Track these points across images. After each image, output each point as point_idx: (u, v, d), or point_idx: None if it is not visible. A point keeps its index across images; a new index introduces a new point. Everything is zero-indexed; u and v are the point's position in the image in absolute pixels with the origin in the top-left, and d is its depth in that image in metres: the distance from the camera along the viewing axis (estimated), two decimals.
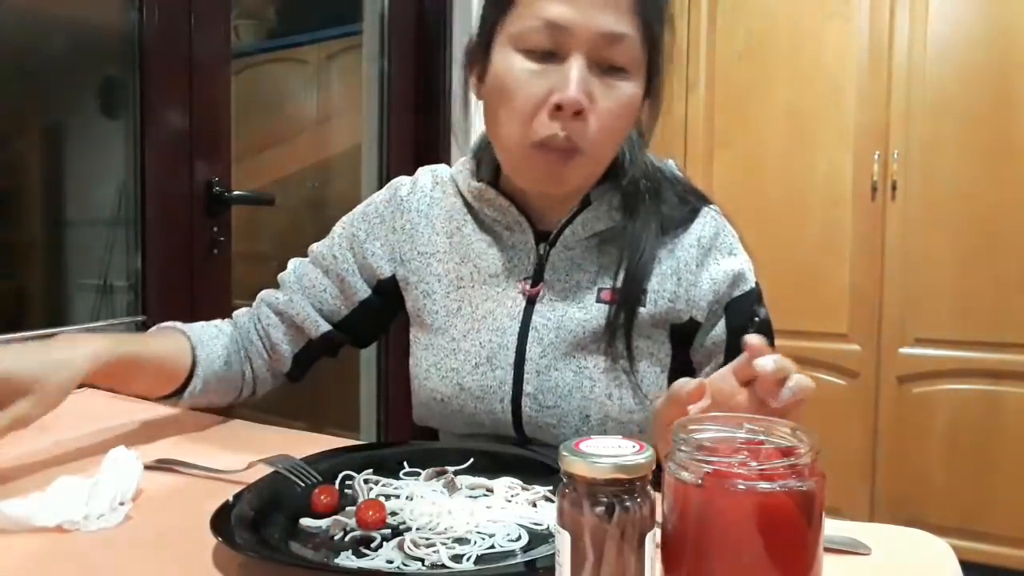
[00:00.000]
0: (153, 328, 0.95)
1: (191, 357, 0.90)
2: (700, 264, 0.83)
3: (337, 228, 0.97)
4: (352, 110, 2.56)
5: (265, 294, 0.97)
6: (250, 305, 1.00)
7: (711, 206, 0.88)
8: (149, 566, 0.55)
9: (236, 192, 1.76)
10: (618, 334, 0.81)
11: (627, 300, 0.82)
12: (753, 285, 0.85)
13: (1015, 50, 2.10)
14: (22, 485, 0.63)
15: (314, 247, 0.97)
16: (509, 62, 0.77)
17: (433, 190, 0.94)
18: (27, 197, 1.71)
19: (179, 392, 0.90)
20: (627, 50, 0.76)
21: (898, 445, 2.26)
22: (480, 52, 0.82)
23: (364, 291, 0.93)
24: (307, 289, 0.94)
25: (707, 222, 0.85)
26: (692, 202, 0.87)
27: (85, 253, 1.76)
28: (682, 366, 0.85)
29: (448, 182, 0.94)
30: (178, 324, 0.94)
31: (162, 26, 1.61)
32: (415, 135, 2.29)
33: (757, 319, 0.83)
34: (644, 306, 0.82)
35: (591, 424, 0.82)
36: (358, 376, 2.39)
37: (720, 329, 0.83)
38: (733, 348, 0.82)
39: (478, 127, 0.89)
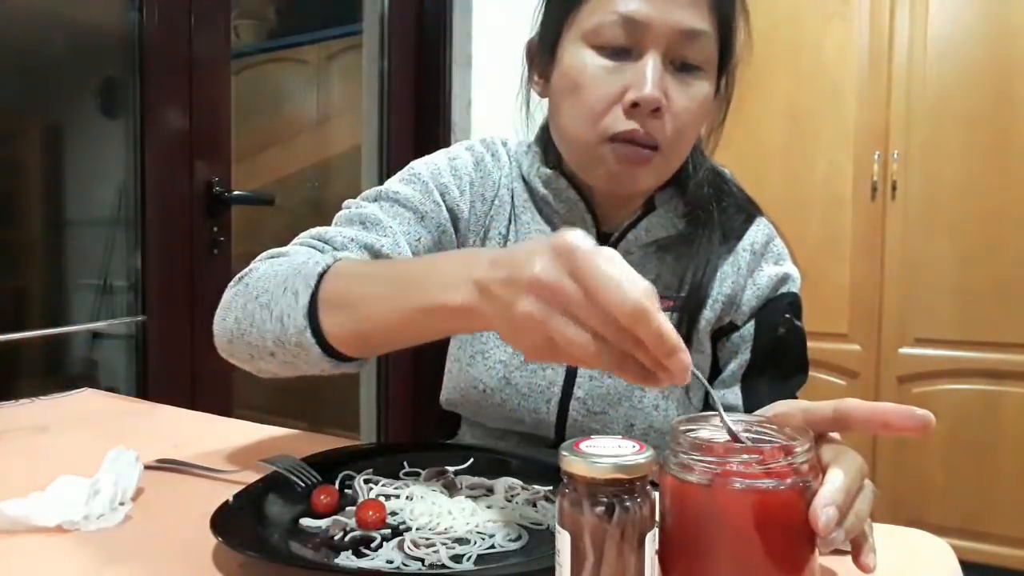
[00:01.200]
0: (340, 259, 0.70)
1: None
2: (751, 270, 0.84)
3: (423, 173, 0.84)
4: (352, 110, 2.56)
5: (353, 234, 0.78)
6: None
7: (763, 216, 0.88)
8: (149, 566, 0.55)
9: (236, 192, 1.76)
10: None
11: (690, 311, 0.81)
12: (794, 291, 0.84)
13: (1015, 50, 2.10)
14: (22, 485, 0.63)
15: (395, 188, 0.83)
16: (581, 58, 0.75)
17: (510, 168, 0.89)
18: (27, 197, 1.71)
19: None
20: (703, 47, 0.75)
21: (898, 445, 2.26)
22: (545, 50, 0.81)
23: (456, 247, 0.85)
24: (407, 234, 0.81)
25: (760, 229, 0.86)
26: (748, 210, 0.87)
27: (85, 253, 1.76)
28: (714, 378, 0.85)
29: (514, 160, 0.90)
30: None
31: (162, 26, 1.61)
32: (415, 135, 2.29)
33: (788, 317, 0.82)
34: (703, 310, 0.82)
35: (634, 433, 0.81)
36: (358, 376, 2.39)
37: (749, 326, 0.83)
38: (759, 348, 0.81)
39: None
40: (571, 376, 0.83)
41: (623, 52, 0.74)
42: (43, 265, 1.76)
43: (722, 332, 0.84)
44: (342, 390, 2.53)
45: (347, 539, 0.58)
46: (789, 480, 0.42)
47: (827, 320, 2.32)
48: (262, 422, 0.96)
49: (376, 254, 0.77)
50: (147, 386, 1.61)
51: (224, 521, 0.56)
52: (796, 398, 0.82)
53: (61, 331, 1.70)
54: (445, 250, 0.83)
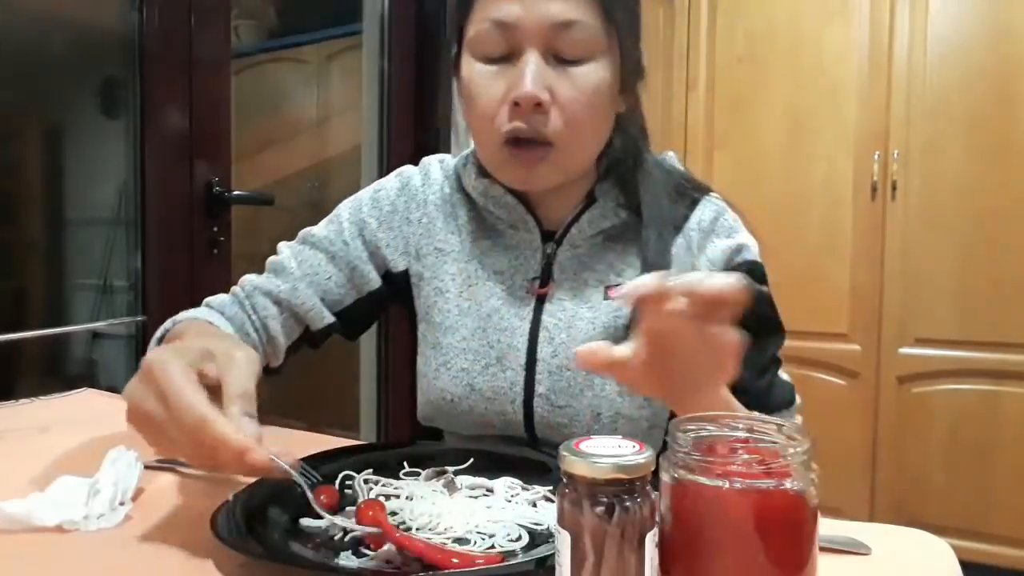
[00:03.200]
0: (183, 320, 0.83)
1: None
2: (700, 248, 0.83)
3: (343, 212, 0.91)
4: (352, 110, 2.56)
5: (259, 282, 0.88)
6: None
7: (711, 194, 0.87)
8: (149, 566, 0.55)
9: (236, 192, 1.76)
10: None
11: None
12: (751, 258, 0.83)
13: (1015, 51, 2.10)
14: (22, 485, 0.63)
15: (314, 231, 0.91)
16: (470, 70, 0.78)
17: (444, 184, 0.92)
18: (27, 197, 1.71)
19: None
20: (582, 36, 0.75)
21: (898, 445, 2.26)
22: (455, 63, 0.83)
23: (375, 281, 0.90)
24: (310, 276, 0.88)
25: (706, 207, 0.85)
26: (691, 193, 0.86)
27: (85, 253, 1.76)
28: None
29: (453, 176, 0.92)
30: (211, 319, 0.84)
31: (162, 26, 1.61)
32: (415, 135, 2.29)
33: (750, 278, 0.82)
34: None
35: (602, 422, 0.81)
36: (358, 376, 2.39)
37: None
38: None
39: None
40: (530, 374, 0.83)
41: (505, 57, 0.76)
42: (43, 265, 1.76)
43: None
44: (342, 390, 2.53)
45: (347, 539, 0.58)
46: (789, 480, 0.42)
47: (827, 320, 2.31)
48: (262, 422, 0.95)
49: (276, 300, 0.87)
50: None
51: (224, 521, 0.56)
52: (777, 361, 0.82)
53: (61, 331, 1.70)
54: (358, 283, 0.90)
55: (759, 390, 0.78)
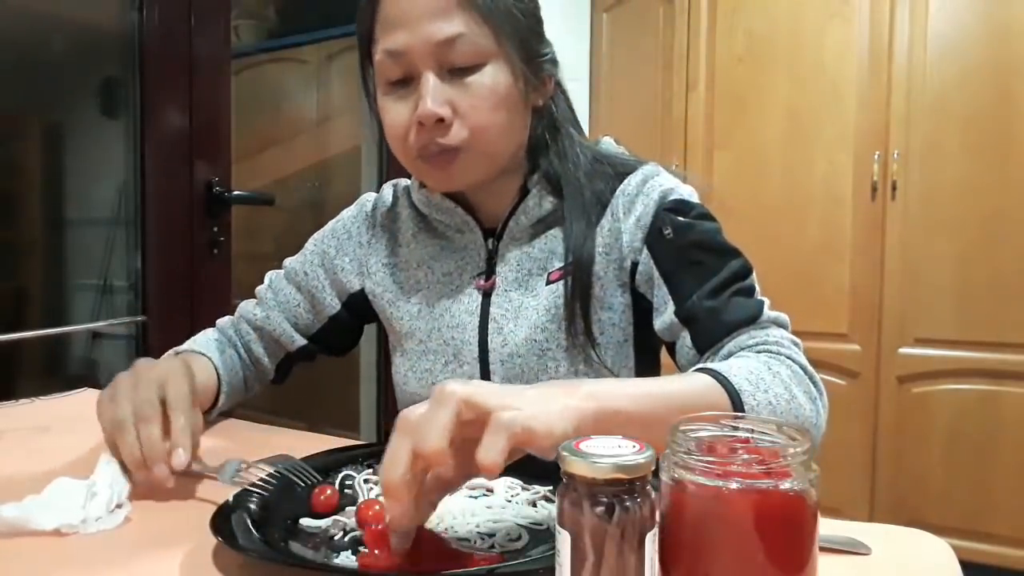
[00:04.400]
0: (184, 351, 0.95)
1: (216, 376, 0.92)
2: (627, 211, 0.84)
3: (309, 245, 1.00)
4: (352, 110, 2.56)
5: (244, 309, 1.00)
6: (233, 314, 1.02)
7: (645, 165, 0.87)
8: (149, 566, 0.55)
9: (236, 192, 1.76)
10: (576, 311, 0.82)
11: (576, 275, 0.82)
12: (679, 197, 0.82)
13: (1015, 50, 2.10)
14: (19, 487, 0.63)
15: (288, 262, 1.00)
16: (382, 102, 0.82)
17: (396, 204, 0.97)
18: (27, 197, 1.71)
19: (208, 411, 0.91)
20: (468, 47, 0.77)
21: (898, 445, 2.26)
22: (372, 93, 0.86)
23: (334, 306, 0.97)
24: (282, 304, 0.98)
25: (634, 176, 0.85)
26: (624, 170, 0.86)
27: (85, 253, 1.76)
28: (646, 332, 0.85)
29: (403, 194, 0.97)
30: (194, 348, 0.95)
31: (162, 26, 1.61)
32: None
33: (668, 216, 0.80)
34: (592, 267, 0.82)
35: None
36: (358, 376, 2.39)
37: (646, 252, 0.82)
38: (662, 260, 0.80)
39: None
40: (484, 365, 0.86)
41: (405, 80, 0.79)
42: (43, 265, 1.76)
43: (633, 275, 0.84)
44: (342, 390, 2.54)
45: (347, 539, 0.58)
46: (789, 480, 0.42)
47: (827, 320, 2.32)
48: (262, 422, 0.97)
49: (254, 326, 0.98)
50: None
51: (224, 521, 0.56)
52: (735, 283, 0.78)
53: (61, 331, 1.70)
54: (318, 309, 0.98)
55: (710, 309, 0.76)
